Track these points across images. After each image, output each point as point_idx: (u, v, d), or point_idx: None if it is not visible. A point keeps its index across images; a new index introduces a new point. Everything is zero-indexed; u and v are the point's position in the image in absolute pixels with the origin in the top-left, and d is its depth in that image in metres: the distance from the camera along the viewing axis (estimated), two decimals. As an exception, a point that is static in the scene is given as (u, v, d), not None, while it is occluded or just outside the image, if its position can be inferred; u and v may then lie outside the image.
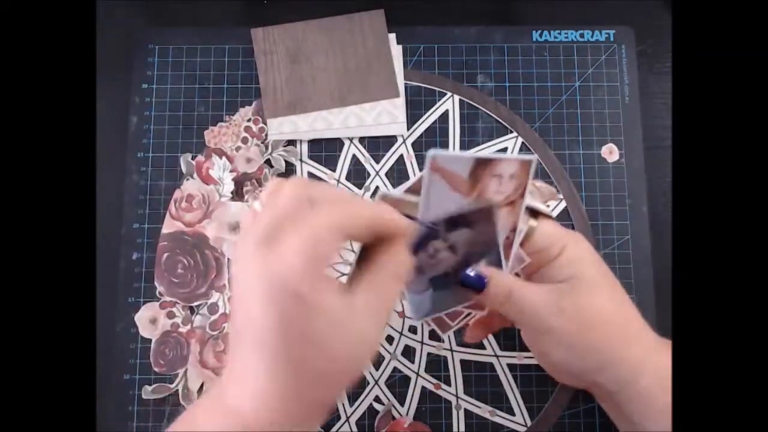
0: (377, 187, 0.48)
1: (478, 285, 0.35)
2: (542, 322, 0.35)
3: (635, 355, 0.35)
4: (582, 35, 0.51)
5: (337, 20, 0.50)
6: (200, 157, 0.48)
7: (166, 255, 0.47)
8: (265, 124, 0.49)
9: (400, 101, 0.49)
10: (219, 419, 0.27)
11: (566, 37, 0.51)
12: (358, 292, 0.27)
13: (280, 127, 0.49)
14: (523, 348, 0.46)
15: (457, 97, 0.49)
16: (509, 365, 0.46)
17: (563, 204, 0.48)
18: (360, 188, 0.48)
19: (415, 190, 0.31)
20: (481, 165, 0.31)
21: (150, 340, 0.46)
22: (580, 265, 0.36)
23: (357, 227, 0.27)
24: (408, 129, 0.49)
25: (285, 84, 0.49)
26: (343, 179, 0.48)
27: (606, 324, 0.35)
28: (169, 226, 0.47)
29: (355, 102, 0.49)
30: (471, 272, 0.35)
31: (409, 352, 0.46)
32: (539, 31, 0.51)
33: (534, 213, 0.36)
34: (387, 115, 0.49)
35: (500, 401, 0.45)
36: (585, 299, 0.35)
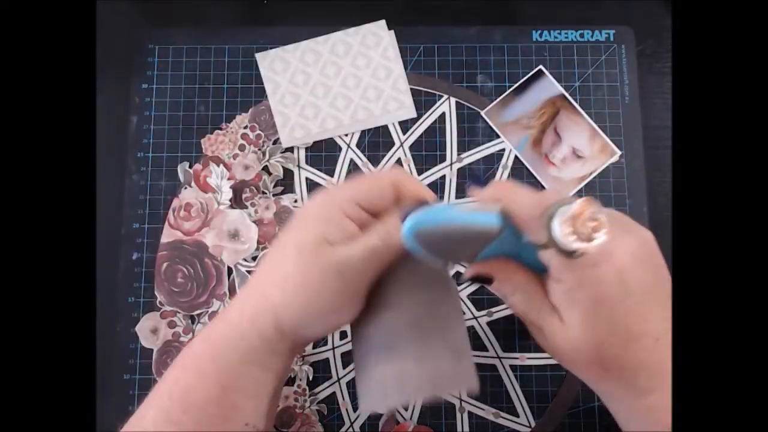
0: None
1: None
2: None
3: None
4: (582, 35, 0.51)
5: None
6: (198, 166, 0.48)
7: (165, 264, 0.47)
8: (263, 131, 0.49)
9: (405, 86, 0.49)
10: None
11: (566, 37, 0.51)
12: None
13: (293, 133, 0.49)
14: (525, 349, 0.46)
15: (453, 99, 0.49)
16: (512, 366, 0.46)
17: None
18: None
19: None
20: None
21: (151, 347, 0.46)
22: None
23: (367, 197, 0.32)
24: (405, 133, 0.49)
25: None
26: (341, 184, 0.49)
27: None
28: (167, 236, 0.47)
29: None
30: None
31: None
32: (539, 31, 0.51)
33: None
34: (393, 102, 0.49)
35: (504, 402, 0.45)
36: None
